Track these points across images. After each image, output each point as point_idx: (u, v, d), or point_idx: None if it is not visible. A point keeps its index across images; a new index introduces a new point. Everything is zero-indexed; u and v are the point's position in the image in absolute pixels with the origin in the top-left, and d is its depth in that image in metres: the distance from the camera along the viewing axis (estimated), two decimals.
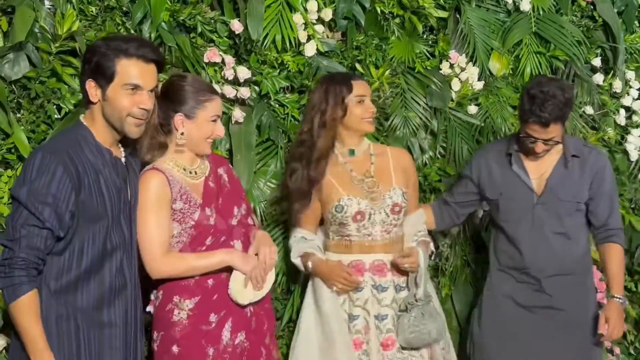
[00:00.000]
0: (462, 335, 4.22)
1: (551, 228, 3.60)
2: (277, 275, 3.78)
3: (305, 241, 3.48)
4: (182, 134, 3.07)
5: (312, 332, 3.39)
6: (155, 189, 3.01)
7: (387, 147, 3.65)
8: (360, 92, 3.44)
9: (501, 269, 3.70)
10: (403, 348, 3.37)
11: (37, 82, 3.31)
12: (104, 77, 2.76)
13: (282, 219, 3.86)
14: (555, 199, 3.59)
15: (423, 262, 3.40)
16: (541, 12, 4.65)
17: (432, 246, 3.58)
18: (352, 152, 3.50)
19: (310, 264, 3.42)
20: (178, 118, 3.07)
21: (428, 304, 3.38)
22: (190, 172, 3.12)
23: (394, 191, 3.46)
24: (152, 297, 3.15)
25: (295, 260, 3.49)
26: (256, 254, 3.14)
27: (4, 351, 3.24)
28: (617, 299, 3.59)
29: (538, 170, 3.64)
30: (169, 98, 3.08)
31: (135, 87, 2.78)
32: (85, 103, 2.87)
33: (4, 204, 3.27)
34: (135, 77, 2.77)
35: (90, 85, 2.79)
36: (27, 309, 2.63)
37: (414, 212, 3.60)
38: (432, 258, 3.64)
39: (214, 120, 3.09)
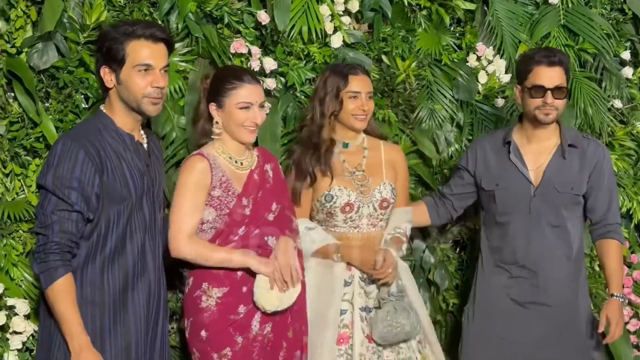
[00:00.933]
0: None
1: (548, 220, 3.53)
2: None
3: (315, 232, 3.43)
4: (216, 122, 3.14)
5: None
6: (197, 174, 3.06)
7: (381, 142, 3.62)
8: (355, 87, 3.43)
9: (495, 264, 3.61)
10: (378, 344, 3.36)
11: (65, 71, 3.35)
12: (116, 61, 2.82)
13: None
14: (553, 190, 3.52)
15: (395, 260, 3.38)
16: (570, 5, 4.60)
17: (404, 247, 3.53)
18: (346, 144, 3.51)
19: (338, 256, 3.39)
20: (212, 107, 3.15)
21: (401, 299, 3.36)
22: (236, 162, 3.16)
23: (384, 186, 3.49)
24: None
25: (312, 250, 3.41)
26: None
27: (30, 337, 3.28)
28: (617, 298, 3.50)
29: (536, 162, 3.58)
30: (209, 88, 3.19)
31: (147, 67, 2.82)
32: (102, 91, 2.92)
33: (33, 192, 3.31)
34: (145, 57, 2.82)
35: (105, 72, 2.84)
36: (63, 293, 2.67)
37: (400, 208, 3.59)
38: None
39: (243, 108, 3.11)
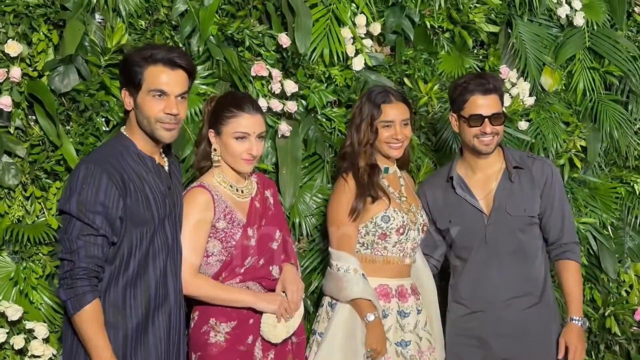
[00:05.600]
0: None
1: (506, 247, 3.45)
2: (314, 293, 3.80)
3: (366, 283, 3.30)
4: (214, 149, 3.11)
5: (337, 350, 3.25)
6: (199, 208, 3.02)
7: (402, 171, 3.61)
8: (388, 116, 3.38)
9: (456, 300, 3.54)
10: None
11: (86, 94, 3.34)
12: (133, 84, 2.83)
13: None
14: (505, 214, 3.46)
15: None
16: (595, 27, 4.57)
17: None
18: (386, 169, 3.47)
19: (370, 318, 3.24)
20: (210, 134, 3.12)
21: None
22: (237, 190, 3.12)
23: (422, 211, 3.50)
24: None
25: (347, 297, 3.29)
26: (283, 291, 3.13)
27: None
28: (576, 321, 3.42)
29: (484, 190, 3.52)
30: (210, 114, 3.15)
31: (162, 93, 2.81)
32: (124, 113, 2.94)
33: (53, 215, 3.30)
34: (160, 82, 2.82)
35: (125, 94, 2.87)
36: (91, 319, 2.66)
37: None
38: None
39: (239, 138, 3.06)
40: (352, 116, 3.49)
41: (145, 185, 2.84)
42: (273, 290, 3.12)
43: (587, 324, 3.54)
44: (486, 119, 3.40)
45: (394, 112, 3.39)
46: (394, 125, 3.38)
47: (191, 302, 3.11)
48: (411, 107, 3.53)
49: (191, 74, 2.93)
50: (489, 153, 3.48)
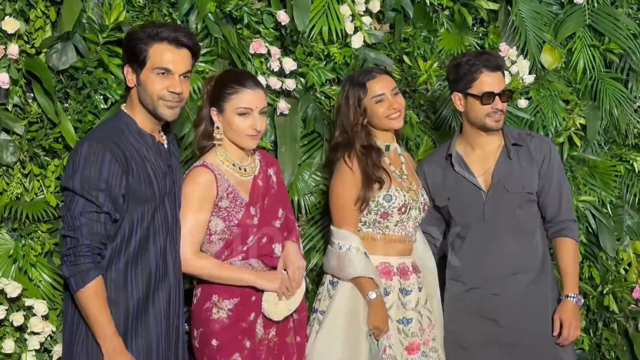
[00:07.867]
0: None
1: (504, 223, 3.45)
2: (313, 271, 3.82)
3: (368, 261, 3.30)
4: (217, 127, 3.10)
5: (339, 329, 3.27)
6: (201, 187, 3.01)
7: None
8: (377, 91, 3.36)
9: (454, 277, 3.54)
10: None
11: (84, 72, 3.34)
12: (137, 61, 2.82)
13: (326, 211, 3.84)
14: (503, 191, 3.46)
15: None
16: (595, 5, 4.55)
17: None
18: (387, 147, 3.45)
19: (372, 296, 3.25)
20: (213, 112, 3.10)
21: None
22: (240, 169, 3.12)
23: (422, 190, 3.51)
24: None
25: (349, 276, 3.29)
26: (285, 269, 3.15)
27: (49, 338, 3.28)
28: (571, 298, 3.44)
29: (483, 167, 3.52)
30: (211, 93, 3.14)
31: (166, 71, 2.81)
32: (125, 90, 2.93)
33: (51, 192, 3.31)
34: (165, 61, 2.81)
35: (128, 71, 2.85)
36: (95, 295, 2.67)
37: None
38: None
39: (243, 114, 3.05)
40: (337, 108, 3.47)
41: (147, 164, 2.84)
42: (275, 268, 3.14)
43: (582, 301, 3.55)
44: (497, 96, 3.40)
45: (381, 84, 3.38)
46: (386, 97, 3.37)
47: (193, 279, 3.13)
48: (394, 78, 3.54)
49: (195, 54, 2.92)
50: (499, 129, 3.49)
